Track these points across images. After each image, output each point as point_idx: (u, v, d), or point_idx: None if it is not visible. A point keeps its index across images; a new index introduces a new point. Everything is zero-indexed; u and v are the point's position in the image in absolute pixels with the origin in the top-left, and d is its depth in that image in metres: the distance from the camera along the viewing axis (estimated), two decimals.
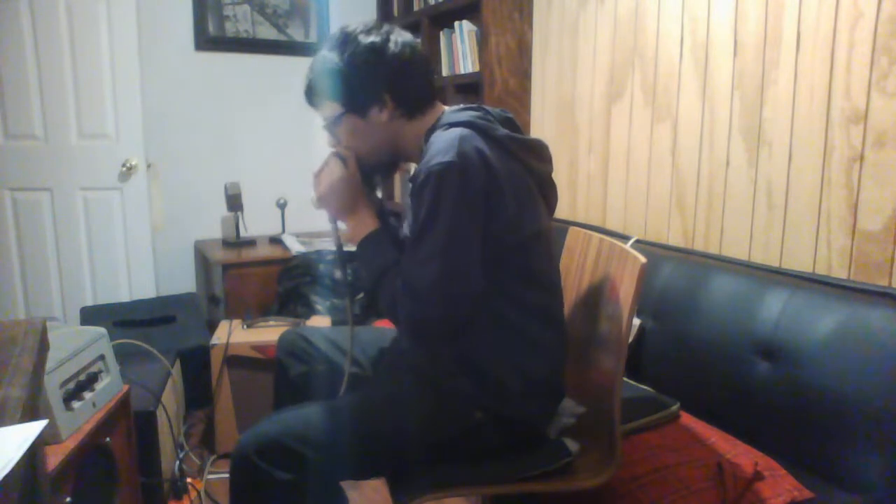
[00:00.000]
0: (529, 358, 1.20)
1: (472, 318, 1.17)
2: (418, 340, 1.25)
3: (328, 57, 1.21)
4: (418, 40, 1.29)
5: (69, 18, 2.57)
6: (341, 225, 1.31)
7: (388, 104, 1.22)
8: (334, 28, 1.27)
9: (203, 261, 3.12)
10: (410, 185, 1.17)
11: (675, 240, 1.99)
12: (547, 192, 1.28)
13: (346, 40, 1.20)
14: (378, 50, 1.19)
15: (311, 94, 1.26)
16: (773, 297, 1.48)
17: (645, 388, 1.65)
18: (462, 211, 1.09)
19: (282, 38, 3.23)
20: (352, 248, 1.30)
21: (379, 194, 1.41)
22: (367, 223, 1.27)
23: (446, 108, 1.27)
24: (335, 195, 1.26)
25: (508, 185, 1.13)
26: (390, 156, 1.30)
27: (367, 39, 1.19)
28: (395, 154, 1.30)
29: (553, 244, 1.27)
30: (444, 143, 1.10)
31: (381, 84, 1.20)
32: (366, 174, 1.30)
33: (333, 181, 1.26)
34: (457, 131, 1.12)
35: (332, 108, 1.24)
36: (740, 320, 1.52)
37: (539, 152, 1.25)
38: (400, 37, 1.22)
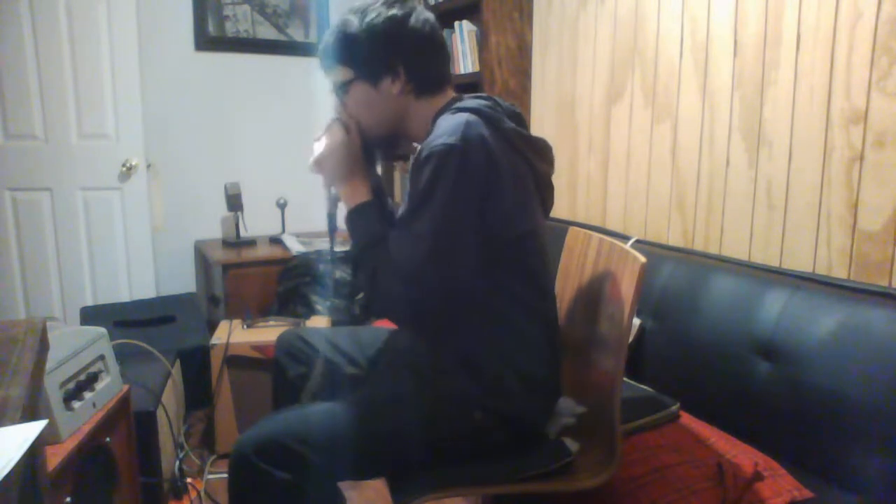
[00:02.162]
0: (526, 356, 1.20)
1: (457, 303, 1.16)
2: (399, 318, 1.25)
3: (349, 20, 1.21)
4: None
5: (69, 18, 2.57)
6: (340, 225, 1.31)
7: (401, 76, 1.22)
8: None
9: (203, 261, 3.12)
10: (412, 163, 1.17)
11: (675, 240, 1.99)
12: (545, 192, 1.28)
13: (369, 9, 1.21)
14: (399, 21, 1.20)
15: (325, 56, 1.25)
16: (773, 297, 1.48)
17: (645, 388, 1.65)
18: (458, 194, 1.08)
19: (282, 38, 3.23)
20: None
21: (379, 170, 1.40)
22: (361, 192, 1.25)
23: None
24: (333, 159, 1.25)
25: (508, 176, 1.13)
26: (393, 132, 1.28)
27: (389, 11, 1.20)
28: (399, 131, 1.28)
29: (547, 247, 1.27)
30: (449, 126, 1.10)
31: (398, 55, 1.21)
32: (366, 148, 1.29)
33: (333, 144, 1.24)
34: (464, 116, 1.12)
35: (343, 72, 1.23)
36: (740, 320, 1.52)
37: (542, 153, 1.25)
38: (423, 14, 1.23)
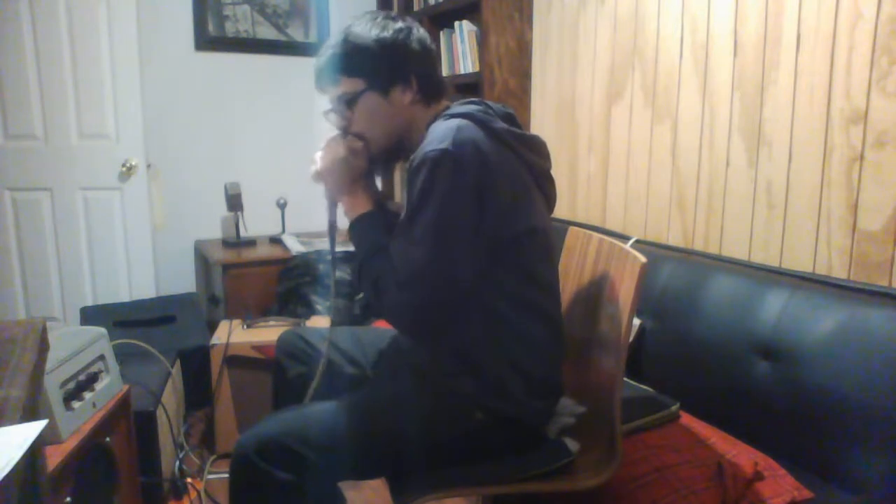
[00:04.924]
0: (527, 356, 1.20)
1: (458, 306, 1.17)
2: (403, 325, 1.26)
3: (354, 33, 1.23)
4: None
5: (69, 18, 2.56)
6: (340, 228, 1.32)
7: (412, 86, 1.25)
8: (334, 28, 1.29)
9: (203, 261, 3.12)
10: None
11: (675, 240, 1.99)
12: (546, 187, 1.29)
13: (374, 23, 1.24)
14: (407, 34, 1.24)
15: (331, 69, 1.25)
16: (773, 297, 1.48)
17: (645, 388, 1.65)
18: (453, 198, 1.10)
19: (282, 38, 3.22)
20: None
21: (379, 183, 1.41)
22: (362, 203, 1.28)
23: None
24: (335, 175, 1.27)
25: (503, 177, 1.14)
26: (399, 142, 1.29)
27: (396, 24, 1.24)
28: (405, 142, 1.29)
29: (553, 242, 1.27)
30: (441, 132, 1.12)
31: (410, 64, 1.24)
32: (370, 162, 1.30)
33: (335, 160, 1.26)
34: (455, 121, 1.14)
35: (353, 83, 1.24)
36: (740, 320, 1.52)
37: (537, 148, 1.26)
38: (420, 28, 1.28)
